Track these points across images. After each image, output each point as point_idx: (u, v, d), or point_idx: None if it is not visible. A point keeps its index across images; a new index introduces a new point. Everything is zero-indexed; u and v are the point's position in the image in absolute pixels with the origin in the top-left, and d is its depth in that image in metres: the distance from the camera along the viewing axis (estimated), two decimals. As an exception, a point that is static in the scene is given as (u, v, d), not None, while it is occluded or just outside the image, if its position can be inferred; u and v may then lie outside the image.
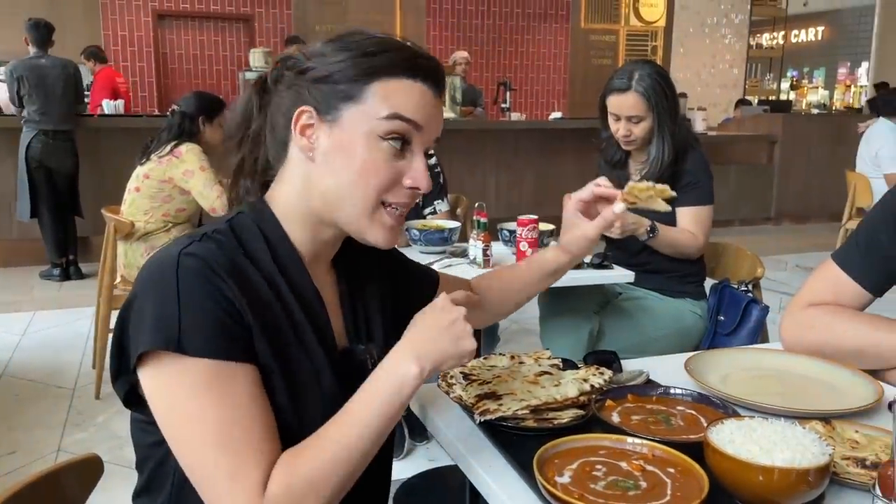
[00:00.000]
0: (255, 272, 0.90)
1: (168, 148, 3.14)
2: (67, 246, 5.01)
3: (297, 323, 0.92)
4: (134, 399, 0.90)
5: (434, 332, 0.89)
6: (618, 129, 2.33)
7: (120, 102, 6.26)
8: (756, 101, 10.33)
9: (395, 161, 0.92)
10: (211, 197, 3.10)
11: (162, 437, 0.86)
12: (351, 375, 0.95)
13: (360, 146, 0.90)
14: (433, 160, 2.70)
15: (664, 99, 2.28)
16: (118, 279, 3.19)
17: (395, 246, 1.07)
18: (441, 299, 0.92)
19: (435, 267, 2.27)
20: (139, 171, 3.19)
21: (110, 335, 3.55)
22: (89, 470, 0.99)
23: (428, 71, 0.93)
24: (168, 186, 3.15)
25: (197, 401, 0.81)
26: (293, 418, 0.89)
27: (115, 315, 3.10)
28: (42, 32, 4.84)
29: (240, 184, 1.01)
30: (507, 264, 1.23)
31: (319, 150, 0.92)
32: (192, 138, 3.20)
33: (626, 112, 2.29)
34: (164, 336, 0.80)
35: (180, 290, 0.82)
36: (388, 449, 1.07)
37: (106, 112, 6.01)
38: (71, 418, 2.97)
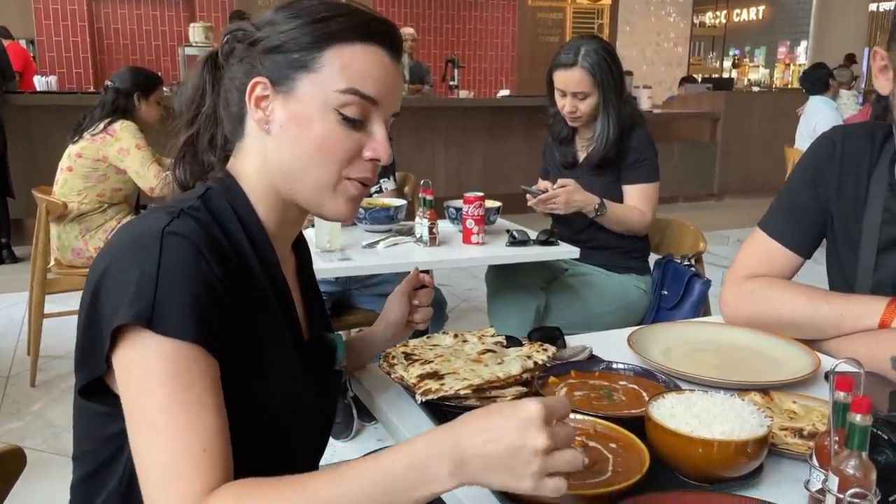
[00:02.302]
0: (233, 253, 0.86)
1: (101, 125, 3.02)
2: (-1, 228, 4.81)
3: (271, 308, 0.90)
4: (97, 389, 0.82)
5: (500, 448, 0.67)
6: (564, 104, 2.32)
7: (53, 78, 6.02)
8: (700, 79, 10.51)
9: (353, 132, 0.88)
10: (148, 176, 3.00)
11: (122, 427, 0.79)
12: (320, 364, 0.94)
13: (317, 118, 0.87)
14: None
15: (610, 76, 2.28)
16: (52, 262, 3.07)
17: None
18: (535, 407, 0.68)
19: (381, 245, 2.26)
20: (71, 149, 3.07)
21: (45, 321, 3.39)
22: (11, 462, 0.95)
23: (383, 34, 0.89)
24: (102, 165, 3.03)
25: (154, 383, 0.75)
26: (264, 408, 0.87)
27: (49, 300, 3.01)
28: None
29: (186, 161, 0.96)
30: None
31: (276, 123, 0.88)
32: (127, 115, 3.09)
33: (572, 88, 2.28)
34: (136, 310, 0.75)
35: (161, 267, 0.77)
36: (325, 433, 1.05)
37: (38, 88, 5.77)
38: (5, 407, 2.86)
